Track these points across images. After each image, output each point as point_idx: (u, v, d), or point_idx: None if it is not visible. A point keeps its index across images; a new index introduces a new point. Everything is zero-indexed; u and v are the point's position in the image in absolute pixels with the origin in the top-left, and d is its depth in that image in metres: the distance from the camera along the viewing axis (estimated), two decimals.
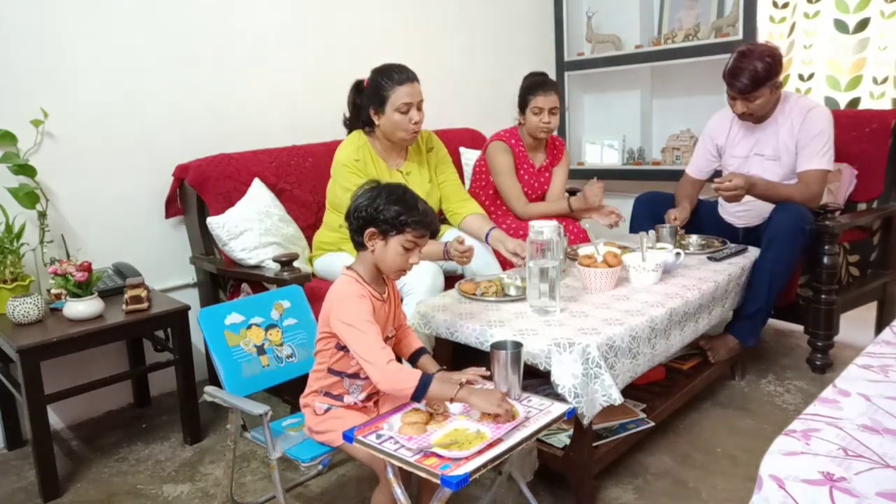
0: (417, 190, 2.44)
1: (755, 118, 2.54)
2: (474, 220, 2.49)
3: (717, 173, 2.78)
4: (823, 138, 2.46)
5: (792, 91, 3.23)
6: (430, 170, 2.54)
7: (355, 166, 2.32)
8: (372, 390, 1.63)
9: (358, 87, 2.40)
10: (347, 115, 2.47)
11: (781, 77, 2.50)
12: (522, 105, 2.74)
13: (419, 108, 2.32)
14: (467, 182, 3.02)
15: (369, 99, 2.33)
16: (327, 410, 1.58)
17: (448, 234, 2.51)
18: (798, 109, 2.51)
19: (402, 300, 2.18)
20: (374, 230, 1.50)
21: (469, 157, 3.19)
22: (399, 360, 1.80)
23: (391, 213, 1.48)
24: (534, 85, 2.72)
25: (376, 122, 2.34)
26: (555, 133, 2.84)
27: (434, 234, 1.57)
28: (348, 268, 1.57)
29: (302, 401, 1.63)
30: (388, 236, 1.50)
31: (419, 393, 1.40)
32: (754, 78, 2.39)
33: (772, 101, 2.50)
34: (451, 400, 1.40)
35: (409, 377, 1.41)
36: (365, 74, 2.41)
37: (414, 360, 1.68)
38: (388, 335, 1.61)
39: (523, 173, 2.81)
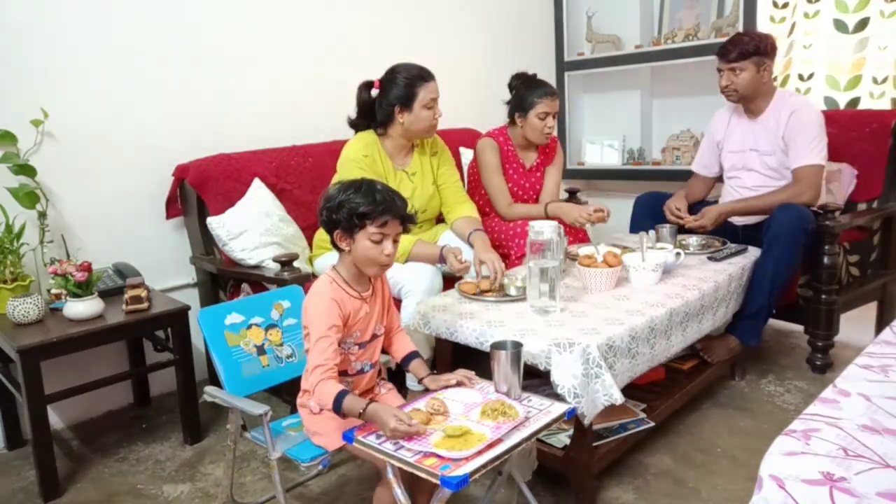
0: (421, 192, 2.46)
1: (739, 97, 2.59)
2: (461, 223, 2.47)
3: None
4: (811, 134, 2.48)
5: (788, 89, 3.25)
6: (433, 173, 2.54)
7: (364, 161, 2.33)
8: (364, 388, 1.63)
9: (368, 88, 2.40)
10: (354, 115, 2.47)
11: (772, 63, 2.57)
12: (524, 107, 2.65)
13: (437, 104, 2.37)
14: (467, 182, 3.02)
15: (396, 98, 2.33)
16: (322, 409, 1.57)
17: (445, 236, 2.51)
18: (787, 106, 2.55)
19: (399, 301, 2.20)
20: (340, 231, 1.50)
21: (469, 156, 3.19)
22: (392, 369, 1.80)
23: (347, 210, 1.47)
24: (539, 88, 2.63)
25: (400, 120, 2.35)
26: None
27: (405, 221, 1.53)
28: (333, 267, 1.57)
29: (298, 401, 1.62)
30: (354, 233, 1.49)
31: (336, 407, 1.40)
32: (741, 48, 2.52)
33: (759, 85, 2.55)
34: (360, 415, 1.37)
35: (328, 395, 1.40)
36: (365, 75, 2.41)
37: (405, 363, 1.67)
38: (377, 333, 1.61)
39: (512, 173, 2.78)
